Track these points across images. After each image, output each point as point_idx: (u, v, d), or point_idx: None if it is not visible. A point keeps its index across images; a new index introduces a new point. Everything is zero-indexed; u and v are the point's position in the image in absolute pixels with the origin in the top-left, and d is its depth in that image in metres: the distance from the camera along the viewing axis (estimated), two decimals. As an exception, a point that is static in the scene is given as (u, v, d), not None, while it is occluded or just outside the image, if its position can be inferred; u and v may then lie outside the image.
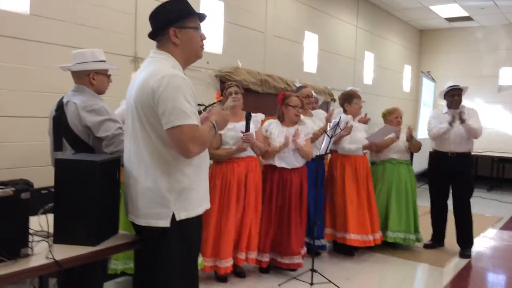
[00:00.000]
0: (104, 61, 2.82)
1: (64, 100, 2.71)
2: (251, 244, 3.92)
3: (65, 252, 1.89)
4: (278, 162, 4.08)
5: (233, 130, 3.80)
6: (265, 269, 4.17)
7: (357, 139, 4.72)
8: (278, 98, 4.22)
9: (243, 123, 3.77)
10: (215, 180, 3.79)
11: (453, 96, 4.96)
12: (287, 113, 4.15)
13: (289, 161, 4.09)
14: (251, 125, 3.83)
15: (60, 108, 2.70)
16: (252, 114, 3.94)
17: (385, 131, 4.77)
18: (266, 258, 4.11)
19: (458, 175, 4.91)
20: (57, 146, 2.72)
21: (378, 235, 4.75)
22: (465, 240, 4.98)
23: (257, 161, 4.00)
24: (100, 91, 2.79)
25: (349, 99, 4.86)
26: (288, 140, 3.98)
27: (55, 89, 3.65)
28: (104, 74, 2.81)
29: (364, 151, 4.87)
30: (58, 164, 2.03)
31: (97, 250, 1.97)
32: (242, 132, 3.74)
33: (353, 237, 4.58)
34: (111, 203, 2.15)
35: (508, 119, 10.70)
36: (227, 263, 3.78)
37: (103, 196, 2.03)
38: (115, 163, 2.19)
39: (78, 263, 1.92)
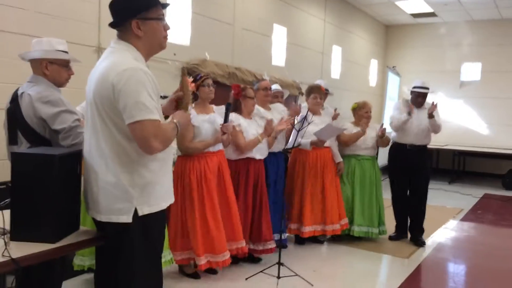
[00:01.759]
0: (63, 51, 2.69)
1: (19, 92, 2.58)
2: (238, 234, 3.90)
3: (23, 249, 1.82)
4: (256, 154, 4.12)
5: (208, 121, 3.75)
6: (237, 260, 4.19)
7: (308, 133, 4.61)
8: (235, 91, 4.16)
9: (214, 114, 3.76)
10: (189, 175, 3.68)
11: (417, 97, 5.10)
12: (245, 104, 4.15)
13: (263, 151, 4.21)
14: (219, 117, 3.80)
15: (15, 100, 2.57)
16: (217, 107, 3.91)
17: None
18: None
19: (416, 168, 5.07)
20: (12, 139, 2.59)
21: (332, 226, 4.80)
22: (419, 228, 5.19)
23: (224, 155, 3.96)
24: (57, 83, 2.65)
25: (308, 93, 4.91)
26: (271, 126, 4.03)
27: (14, 80, 3.48)
28: (60, 64, 2.65)
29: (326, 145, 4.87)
30: (15, 158, 1.94)
31: (56, 247, 1.91)
32: (221, 124, 3.73)
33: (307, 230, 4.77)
34: (71, 198, 2.08)
35: (469, 113, 11.04)
36: (224, 257, 3.72)
37: (62, 191, 1.96)
38: (76, 157, 2.12)
39: (36, 261, 1.85)
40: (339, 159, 5.01)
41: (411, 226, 5.24)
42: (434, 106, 4.92)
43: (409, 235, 5.28)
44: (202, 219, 3.69)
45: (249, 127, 4.11)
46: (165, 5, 2.13)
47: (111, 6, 2.06)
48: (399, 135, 5.17)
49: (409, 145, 5.08)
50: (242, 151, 4.05)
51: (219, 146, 3.86)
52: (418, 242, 5.12)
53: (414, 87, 5.14)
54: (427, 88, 5.10)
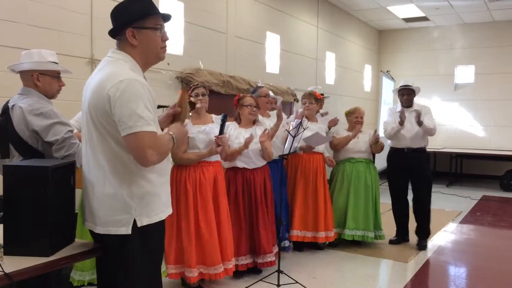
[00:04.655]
0: (54, 62, 2.67)
1: (10, 104, 2.56)
2: (229, 253, 3.78)
3: (16, 263, 1.78)
4: (240, 164, 4.06)
5: (203, 133, 3.70)
6: (240, 273, 4.10)
7: (300, 138, 4.61)
8: (234, 101, 4.21)
9: (211, 125, 3.73)
10: (185, 183, 3.64)
11: (402, 95, 5.15)
12: (242, 113, 4.14)
13: (250, 162, 4.09)
14: (216, 128, 3.76)
15: (5, 112, 2.55)
16: (216, 116, 3.87)
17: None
18: (244, 261, 4.04)
19: (416, 170, 5.07)
20: (3, 153, 2.56)
21: (324, 233, 4.78)
22: (423, 231, 5.16)
23: (221, 166, 3.92)
24: (48, 94, 2.63)
25: (301, 99, 5.00)
26: (249, 140, 3.91)
27: (7, 93, 3.48)
28: (51, 75, 2.63)
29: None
30: (7, 171, 1.91)
31: (51, 261, 1.87)
32: (216, 136, 3.64)
33: (295, 234, 4.76)
34: (65, 210, 2.05)
35: (465, 116, 11.07)
36: (215, 270, 3.62)
37: (56, 204, 1.93)
38: (69, 168, 2.09)
39: (30, 275, 1.81)
40: (326, 155, 5.04)
41: (416, 229, 5.22)
42: (403, 115, 4.91)
43: (413, 239, 5.25)
44: (196, 228, 3.63)
45: (239, 135, 4.05)
46: (166, 17, 2.08)
47: (112, 14, 2.03)
48: (394, 141, 5.18)
49: (407, 149, 5.08)
50: (223, 160, 4.01)
51: (217, 157, 3.81)
52: (420, 245, 5.09)
53: (399, 86, 5.21)
54: (409, 86, 5.11)
